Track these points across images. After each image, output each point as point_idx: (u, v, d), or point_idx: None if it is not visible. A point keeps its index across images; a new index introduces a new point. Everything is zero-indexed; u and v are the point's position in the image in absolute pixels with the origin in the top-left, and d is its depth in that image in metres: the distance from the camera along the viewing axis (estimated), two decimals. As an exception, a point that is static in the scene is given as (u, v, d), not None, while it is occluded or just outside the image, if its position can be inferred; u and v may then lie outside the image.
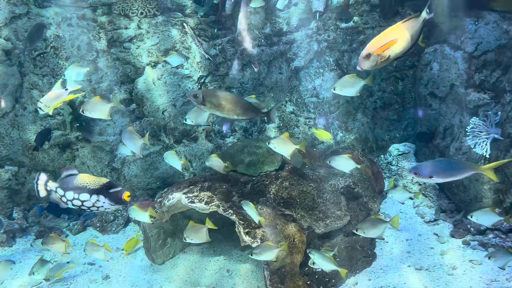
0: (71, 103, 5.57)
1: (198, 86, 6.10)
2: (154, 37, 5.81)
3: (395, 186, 6.01)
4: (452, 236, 5.11)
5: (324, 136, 5.06)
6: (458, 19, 5.84)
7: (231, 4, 6.21)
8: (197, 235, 4.19)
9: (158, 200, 4.68)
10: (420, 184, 5.98)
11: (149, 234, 4.78)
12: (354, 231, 4.19)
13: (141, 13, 5.75)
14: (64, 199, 3.08)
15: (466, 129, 4.88)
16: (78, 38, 5.59)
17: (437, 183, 5.83)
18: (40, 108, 3.71)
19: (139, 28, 5.76)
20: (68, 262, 4.84)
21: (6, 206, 5.60)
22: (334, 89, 4.31)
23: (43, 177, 3.15)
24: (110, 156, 5.96)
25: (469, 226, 5.03)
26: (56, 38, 5.49)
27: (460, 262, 4.52)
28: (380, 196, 5.52)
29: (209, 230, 4.21)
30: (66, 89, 3.91)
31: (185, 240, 4.20)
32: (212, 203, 4.28)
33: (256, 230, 4.16)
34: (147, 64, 5.87)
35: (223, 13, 6.22)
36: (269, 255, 3.82)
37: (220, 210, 4.24)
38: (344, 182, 4.88)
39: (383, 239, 4.79)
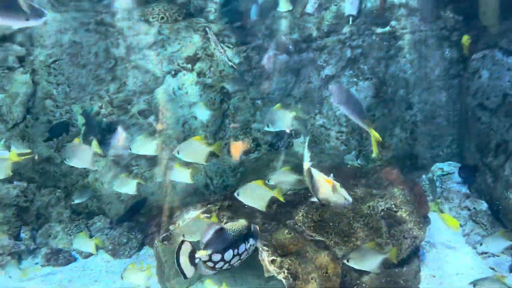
0: (85, 114, 5.21)
1: (220, 96, 5.66)
2: (176, 44, 5.43)
3: (440, 211, 5.31)
4: (512, 270, 4.38)
5: (451, 223, 4.57)
6: (510, 21, 5.23)
7: (257, 10, 5.84)
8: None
9: (174, 220, 4.19)
10: (469, 209, 5.26)
11: (163, 260, 4.27)
12: (345, 262, 3.56)
13: (162, 18, 5.40)
14: (220, 264, 2.55)
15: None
16: (95, 44, 5.28)
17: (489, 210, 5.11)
18: None
19: (160, 34, 5.41)
20: None
21: (13, 225, 5.22)
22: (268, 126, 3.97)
23: (187, 247, 2.47)
24: (126, 172, 5.54)
25: (534, 260, 4.29)
26: (73, 44, 5.18)
27: (526, 304, 3.80)
28: (425, 222, 4.84)
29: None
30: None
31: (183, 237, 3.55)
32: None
33: (283, 259, 3.58)
34: (168, 73, 5.49)
35: (249, 19, 5.83)
36: None
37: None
38: (385, 205, 4.25)
39: (378, 273, 3.93)
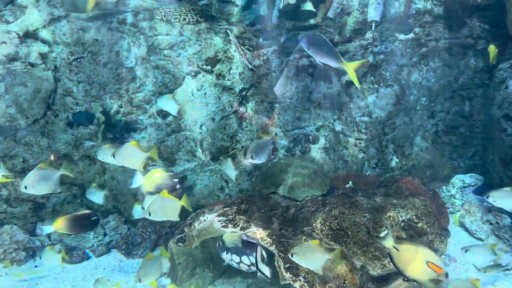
0: (105, 111, 5.22)
1: (239, 99, 5.62)
2: (196, 45, 5.41)
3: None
4: (537, 288, 4.20)
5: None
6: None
7: (278, 13, 5.79)
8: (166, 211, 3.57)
9: (189, 222, 4.13)
10: (491, 223, 5.09)
11: (177, 262, 4.22)
12: (290, 256, 3.33)
13: (184, 19, 5.39)
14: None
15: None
16: (117, 43, 5.29)
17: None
18: None
19: (181, 35, 5.40)
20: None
21: (29, 221, 5.26)
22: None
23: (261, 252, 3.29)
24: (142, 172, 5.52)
25: (562, 278, 4.10)
26: (94, 43, 5.21)
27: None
28: (446, 234, 4.69)
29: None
30: None
31: (149, 215, 3.63)
32: (249, 229, 3.67)
33: (299, 266, 3.49)
34: (187, 74, 5.47)
35: (270, 22, 5.79)
36: None
37: (258, 238, 3.62)
38: (406, 215, 4.13)
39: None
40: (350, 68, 3.44)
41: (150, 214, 3.77)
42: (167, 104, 4.84)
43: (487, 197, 3.89)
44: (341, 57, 3.47)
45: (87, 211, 4.18)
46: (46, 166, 3.86)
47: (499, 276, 4.42)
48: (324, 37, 3.64)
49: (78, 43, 5.23)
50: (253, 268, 3.62)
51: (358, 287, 3.58)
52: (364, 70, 4.19)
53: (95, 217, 4.19)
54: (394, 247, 2.90)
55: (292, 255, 3.26)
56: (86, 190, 4.88)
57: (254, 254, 3.54)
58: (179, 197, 3.87)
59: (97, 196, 4.66)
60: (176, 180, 4.19)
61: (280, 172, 4.45)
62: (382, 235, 3.14)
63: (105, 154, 4.13)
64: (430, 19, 5.73)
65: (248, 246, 3.58)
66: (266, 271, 3.48)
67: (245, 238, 3.62)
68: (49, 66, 5.15)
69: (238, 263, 3.66)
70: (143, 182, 4.11)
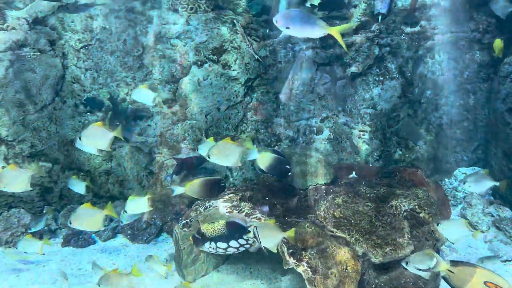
0: (112, 99, 5.28)
1: (244, 89, 5.66)
2: (203, 35, 5.45)
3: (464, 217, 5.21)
4: (537, 280, 4.24)
5: None
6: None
7: (285, 4, 5.81)
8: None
9: (194, 207, 4.20)
10: (493, 216, 5.14)
11: (181, 247, 4.29)
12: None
13: (191, 9, 5.42)
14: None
15: None
16: (125, 32, 5.33)
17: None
18: None
19: (188, 24, 5.43)
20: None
21: (36, 205, 5.35)
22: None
23: None
24: (148, 159, 5.60)
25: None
26: (102, 30, 5.25)
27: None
28: (447, 225, 4.74)
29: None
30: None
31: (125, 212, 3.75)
32: (253, 216, 3.74)
33: (302, 252, 3.56)
34: (194, 63, 5.51)
35: (276, 13, 5.80)
36: None
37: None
38: (408, 205, 4.18)
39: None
40: (336, 32, 3.29)
41: (70, 223, 3.85)
42: (141, 95, 4.69)
43: (464, 183, 3.81)
44: (324, 23, 3.28)
45: (217, 177, 4.11)
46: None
47: (498, 267, 4.48)
48: (300, 10, 3.43)
49: (86, 31, 5.27)
50: (242, 249, 3.63)
51: (359, 274, 3.65)
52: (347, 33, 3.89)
53: (223, 184, 4.15)
54: (449, 270, 2.91)
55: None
56: (68, 181, 4.88)
57: (244, 236, 3.51)
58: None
59: (79, 187, 4.67)
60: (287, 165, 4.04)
61: (284, 160, 4.50)
62: (433, 263, 3.14)
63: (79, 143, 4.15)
64: (437, 12, 5.74)
65: (233, 230, 3.57)
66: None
67: (232, 220, 3.56)
68: (58, 53, 5.21)
69: (225, 249, 3.65)
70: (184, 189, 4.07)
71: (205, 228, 3.54)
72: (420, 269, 3.31)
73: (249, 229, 3.41)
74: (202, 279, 4.43)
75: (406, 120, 5.66)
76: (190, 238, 3.58)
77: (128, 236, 5.16)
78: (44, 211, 5.26)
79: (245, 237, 3.51)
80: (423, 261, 3.33)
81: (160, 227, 5.30)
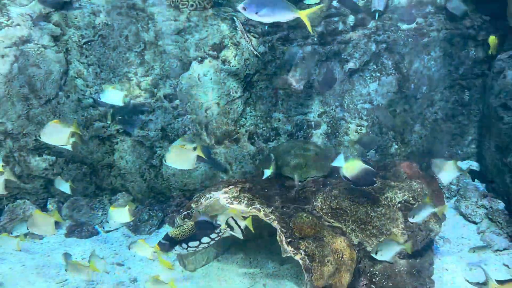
0: (114, 94, 5.39)
1: (244, 85, 5.77)
2: (203, 31, 5.56)
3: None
4: (526, 269, 4.40)
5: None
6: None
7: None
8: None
9: (195, 199, 4.33)
10: (486, 208, 5.28)
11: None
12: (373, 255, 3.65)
13: (192, 5, 5.53)
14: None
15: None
16: (126, 28, 5.44)
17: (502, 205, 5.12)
18: None
19: (189, 20, 5.54)
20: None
21: (40, 197, 5.48)
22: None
23: None
24: (149, 152, 5.72)
25: (549, 259, 4.30)
26: (105, 27, 5.36)
27: (540, 301, 3.81)
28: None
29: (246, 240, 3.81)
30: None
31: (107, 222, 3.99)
32: (253, 206, 3.87)
33: (300, 241, 3.69)
34: (194, 59, 5.62)
35: (276, 10, 5.90)
36: None
37: (261, 215, 3.82)
38: (402, 196, 4.32)
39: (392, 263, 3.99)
40: (304, 15, 3.32)
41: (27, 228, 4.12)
42: (109, 96, 4.71)
43: (412, 217, 3.97)
44: (292, 6, 3.28)
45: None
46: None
47: (490, 257, 4.63)
48: None
49: (89, 26, 5.38)
50: (213, 242, 3.77)
51: (355, 262, 3.78)
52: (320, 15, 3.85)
53: (374, 177, 4.04)
54: None
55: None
56: (55, 181, 5.00)
57: (217, 230, 3.62)
58: None
59: (64, 187, 4.81)
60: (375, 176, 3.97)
61: (283, 153, 4.63)
62: (483, 281, 3.32)
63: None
64: (433, 9, 5.86)
65: (203, 228, 3.67)
66: (239, 233, 3.63)
67: (200, 219, 3.67)
68: (61, 48, 5.31)
69: (196, 246, 3.73)
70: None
71: (173, 232, 3.60)
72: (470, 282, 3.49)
73: (218, 223, 3.60)
74: (203, 268, 4.57)
75: (366, 132, 5.74)
76: (156, 246, 3.64)
77: (131, 228, 5.29)
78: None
79: (217, 230, 3.62)
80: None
81: (161, 219, 5.43)
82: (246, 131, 5.88)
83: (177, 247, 3.62)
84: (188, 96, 5.68)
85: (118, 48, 5.47)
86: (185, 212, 4.28)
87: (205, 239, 3.65)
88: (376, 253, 3.65)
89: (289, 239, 3.68)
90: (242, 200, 3.96)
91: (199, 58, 5.64)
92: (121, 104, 4.71)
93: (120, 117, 5.53)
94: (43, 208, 5.37)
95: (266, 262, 4.62)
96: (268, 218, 3.81)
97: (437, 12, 5.86)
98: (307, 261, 3.55)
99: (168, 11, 5.57)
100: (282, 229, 3.74)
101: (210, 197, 4.12)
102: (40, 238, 5.10)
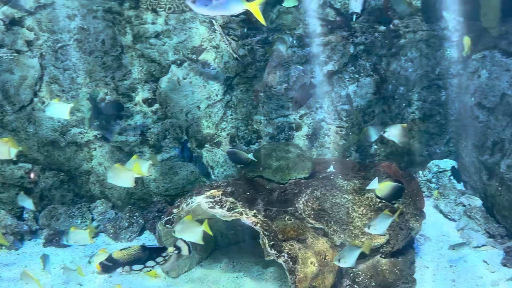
0: (91, 99, 5.28)
1: (224, 88, 5.75)
2: (182, 34, 5.51)
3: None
4: (504, 265, 4.50)
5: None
6: (511, 23, 5.35)
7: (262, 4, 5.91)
8: (191, 234, 3.75)
9: (177, 204, 4.28)
10: (464, 205, 5.39)
11: (165, 243, 4.36)
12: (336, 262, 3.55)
13: (169, 8, 5.48)
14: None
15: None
16: (103, 32, 5.35)
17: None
18: None
19: (167, 23, 5.49)
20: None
21: (16, 206, 5.31)
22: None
23: None
24: (129, 158, 5.59)
25: (525, 254, 4.42)
26: (80, 31, 5.25)
27: (516, 295, 3.92)
28: (421, 216, 4.95)
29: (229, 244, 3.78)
30: None
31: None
32: (235, 210, 3.85)
33: (283, 243, 3.69)
34: (173, 62, 5.57)
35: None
36: None
37: (243, 218, 3.80)
38: (383, 196, 4.35)
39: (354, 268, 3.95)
40: (254, 7, 3.23)
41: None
42: (54, 110, 4.55)
43: (384, 132, 4.19)
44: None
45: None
46: None
47: (469, 253, 4.72)
48: None
49: (64, 31, 5.26)
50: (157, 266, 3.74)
51: (338, 263, 3.79)
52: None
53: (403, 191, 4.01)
54: None
55: None
56: (18, 197, 4.89)
57: (163, 253, 3.62)
58: None
59: (27, 202, 4.73)
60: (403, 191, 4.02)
61: (265, 156, 4.63)
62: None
63: None
64: (409, 11, 5.96)
65: (150, 252, 3.63)
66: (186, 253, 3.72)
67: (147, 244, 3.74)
68: (35, 53, 5.18)
69: (140, 270, 3.67)
70: None
71: (118, 254, 3.52)
72: None
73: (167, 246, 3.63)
74: (186, 274, 4.51)
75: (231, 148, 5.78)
76: (97, 266, 3.57)
77: (111, 235, 5.18)
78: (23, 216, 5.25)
79: (163, 254, 3.60)
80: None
81: (142, 226, 5.34)
82: (227, 135, 5.85)
83: (119, 269, 3.52)
84: (168, 100, 5.62)
85: (95, 53, 5.37)
86: (167, 218, 4.22)
87: (150, 263, 3.59)
88: (339, 261, 3.54)
89: (272, 242, 3.67)
90: (224, 204, 3.93)
91: (178, 62, 5.59)
92: (67, 117, 4.55)
93: (97, 122, 5.42)
94: (20, 218, 5.21)
95: (250, 266, 4.59)
96: (251, 221, 3.79)
97: (413, 13, 5.96)
98: (290, 263, 3.54)
99: (145, 15, 5.50)
100: (265, 232, 3.73)
101: (192, 202, 4.07)
102: (17, 249, 4.96)
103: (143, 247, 3.56)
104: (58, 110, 4.46)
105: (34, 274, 4.37)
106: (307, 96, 5.03)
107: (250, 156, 4.52)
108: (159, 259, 3.60)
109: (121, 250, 3.54)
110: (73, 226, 4.33)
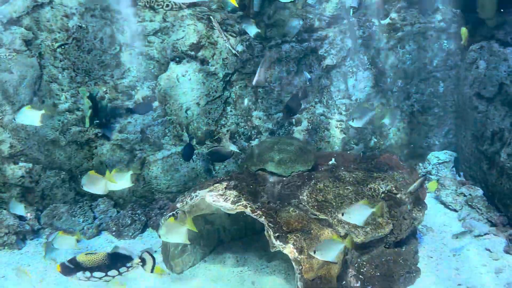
0: (91, 97, 5.26)
1: (223, 84, 5.75)
2: (180, 31, 5.51)
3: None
4: (507, 252, 4.53)
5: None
6: (507, 13, 5.39)
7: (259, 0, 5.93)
8: (176, 235, 3.75)
9: (181, 199, 4.27)
10: (465, 195, 5.42)
11: (168, 238, 4.35)
12: (312, 253, 3.46)
13: (167, 6, 5.47)
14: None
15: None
16: (101, 30, 5.33)
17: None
18: None
19: (165, 21, 5.48)
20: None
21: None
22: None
23: None
24: (129, 156, 5.61)
25: (528, 241, 4.45)
26: (79, 29, 5.24)
27: (520, 281, 3.95)
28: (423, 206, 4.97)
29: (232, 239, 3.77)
30: None
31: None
32: (239, 203, 3.84)
33: (288, 235, 3.69)
34: (172, 60, 5.57)
35: (251, 9, 5.92)
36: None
37: (248, 211, 3.80)
38: (386, 187, 4.38)
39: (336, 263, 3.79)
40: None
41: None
42: (26, 117, 4.38)
43: (352, 120, 4.31)
44: None
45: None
46: None
47: (472, 242, 4.74)
48: None
49: (62, 30, 5.24)
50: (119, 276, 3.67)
51: (343, 253, 3.79)
52: None
53: None
54: None
55: (314, 252, 3.47)
56: (9, 204, 4.88)
57: (127, 264, 3.54)
58: None
59: (19, 209, 4.74)
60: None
61: (267, 150, 4.63)
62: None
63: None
64: (405, 4, 6.00)
65: (116, 260, 3.54)
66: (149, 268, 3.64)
67: (117, 250, 3.56)
68: (34, 53, 5.16)
69: (100, 278, 3.59)
70: None
71: (82, 258, 3.43)
72: None
73: (134, 256, 3.53)
74: (190, 269, 4.51)
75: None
76: (57, 266, 3.48)
77: (113, 233, 5.17)
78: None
79: (128, 264, 3.51)
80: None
81: (145, 223, 5.33)
82: (227, 131, 5.85)
83: (79, 274, 3.44)
84: (167, 97, 5.62)
85: (93, 51, 5.36)
86: (171, 213, 4.20)
87: (112, 272, 3.50)
88: (314, 252, 3.45)
89: (277, 234, 3.67)
90: (228, 198, 3.93)
91: (177, 59, 5.59)
92: (39, 124, 4.38)
93: (97, 121, 5.40)
94: (21, 218, 5.17)
95: (253, 260, 4.59)
96: (255, 214, 3.79)
97: (410, 6, 6.00)
98: (296, 254, 3.54)
99: (143, 12, 5.50)
100: (270, 224, 3.72)
101: (196, 196, 4.06)
102: (19, 248, 4.93)
103: (110, 255, 3.46)
104: (30, 117, 4.33)
105: (36, 273, 4.39)
106: (298, 106, 5.08)
107: (233, 148, 4.50)
108: (122, 269, 3.51)
109: (86, 254, 3.45)
110: (61, 231, 4.30)
